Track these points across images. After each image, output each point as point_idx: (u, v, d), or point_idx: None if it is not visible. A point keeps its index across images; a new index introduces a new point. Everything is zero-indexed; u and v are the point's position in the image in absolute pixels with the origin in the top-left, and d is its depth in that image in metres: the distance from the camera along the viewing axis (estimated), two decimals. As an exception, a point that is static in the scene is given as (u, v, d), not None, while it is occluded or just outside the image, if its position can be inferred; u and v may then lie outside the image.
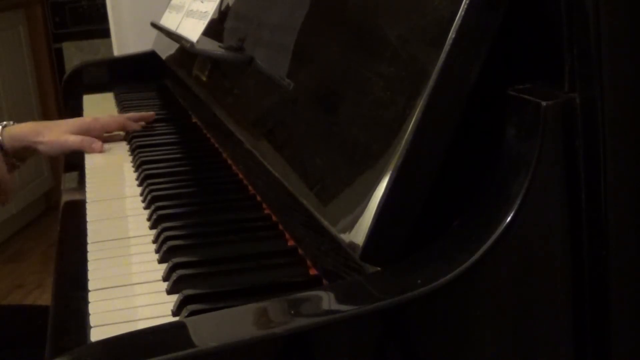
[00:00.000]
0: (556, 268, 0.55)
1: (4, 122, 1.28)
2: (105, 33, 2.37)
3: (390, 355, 0.53)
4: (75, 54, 3.78)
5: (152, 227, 0.88)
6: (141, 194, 1.00)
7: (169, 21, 1.36)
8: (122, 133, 1.35)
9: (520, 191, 0.53)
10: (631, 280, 0.56)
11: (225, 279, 0.72)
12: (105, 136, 1.32)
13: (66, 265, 0.85)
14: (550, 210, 0.55)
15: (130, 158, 1.21)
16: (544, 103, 0.54)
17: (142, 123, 1.37)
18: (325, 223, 0.62)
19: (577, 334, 0.56)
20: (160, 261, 0.79)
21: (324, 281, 0.70)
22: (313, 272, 0.73)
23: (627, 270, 0.56)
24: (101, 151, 1.26)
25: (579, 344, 0.56)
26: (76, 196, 1.03)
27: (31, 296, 2.82)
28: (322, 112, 0.72)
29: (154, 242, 0.84)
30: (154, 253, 0.81)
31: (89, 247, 0.84)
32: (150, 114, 1.40)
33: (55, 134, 1.27)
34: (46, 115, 3.76)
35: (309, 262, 0.74)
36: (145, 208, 0.95)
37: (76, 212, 0.97)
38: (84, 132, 1.29)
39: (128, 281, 0.75)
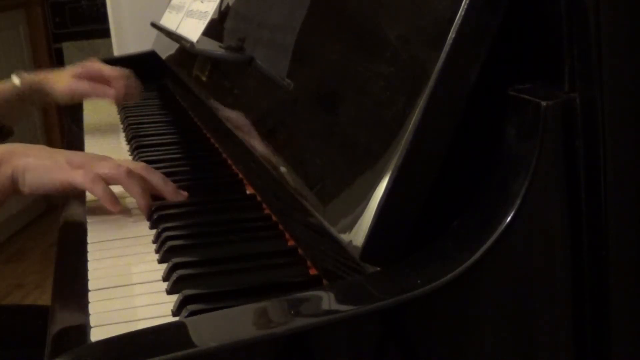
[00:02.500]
0: (556, 268, 0.55)
1: (18, 72, 1.39)
2: (105, 33, 2.37)
3: (390, 355, 0.53)
4: (75, 54, 3.78)
5: (152, 227, 0.88)
6: (141, 194, 0.99)
7: (169, 21, 1.36)
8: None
9: (520, 191, 0.53)
10: (631, 280, 0.56)
11: (225, 279, 0.72)
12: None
13: (66, 265, 0.85)
14: (550, 210, 0.55)
15: (130, 158, 1.21)
16: (544, 103, 0.54)
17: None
18: (325, 223, 0.62)
19: (577, 334, 0.56)
20: (160, 261, 0.79)
21: (324, 281, 0.70)
22: (313, 272, 0.73)
23: (627, 270, 0.56)
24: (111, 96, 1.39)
25: (579, 344, 0.56)
26: (76, 196, 1.03)
27: (31, 296, 2.82)
28: (322, 112, 0.72)
29: (154, 242, 0.84)
30: (154, 253, 0.81)
31: (89, 247, 0.84)
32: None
33: (64, 78, 1.40)
34: (46, 115, 3.76)
35: (309, 262, 0.74)
36: (145, 208, 0.95)
37: (76, 213, 0.97)
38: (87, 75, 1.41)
39: (128, 281, 0.75)
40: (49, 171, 0.93)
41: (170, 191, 0.94)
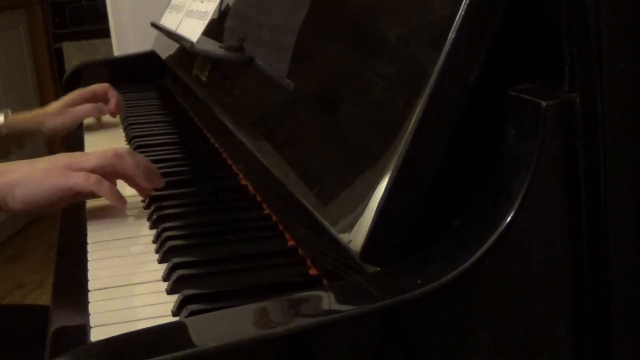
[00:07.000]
0: (556, 268, 0.55)
1: (6, 110, 1.34)
2: (105, 33, 2.37)
3: (390, 355, 0.53)
4: (75, 54, 3.78)
5: (152, 227, 0.88)
6: (141, 194, 0.99)
7: (169, 21, 1.36)
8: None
9: (520, 191, 0.53)
10: (631, 280, 0.56)
11: (225, 279, 0.72)
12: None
13: (66, 265, 0.85)
14: (550, 210, 0.55)
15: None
16: (544, 103, 0.54)
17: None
18: (325, 223, 0.62)
19: (577, 334, 0.56)
20: (160, 261, 0.79)
21: (324, 281, 0.70)
22: (313, 272, 0.73)
23: (627, 270, 0.56)
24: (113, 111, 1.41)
25: (579, 344, 0.56)
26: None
27: (31, 296, 2.82)
28: (322, 112, 0.72)
29: (154, 242, 0.84)
30: (154, 253, 0.81)
31: (89, 247, 0.85)
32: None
33: (56, 110, 1.37)
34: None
35: (309, 262, 0.74)
36: (145, 208, 0.95)
37: (76, 213, 0.97)
38: (80, 101, 1.40)
39: (128, 281, 0.75)
40: (42, 181, 0.88)
41: (144, 183, 0.93)
